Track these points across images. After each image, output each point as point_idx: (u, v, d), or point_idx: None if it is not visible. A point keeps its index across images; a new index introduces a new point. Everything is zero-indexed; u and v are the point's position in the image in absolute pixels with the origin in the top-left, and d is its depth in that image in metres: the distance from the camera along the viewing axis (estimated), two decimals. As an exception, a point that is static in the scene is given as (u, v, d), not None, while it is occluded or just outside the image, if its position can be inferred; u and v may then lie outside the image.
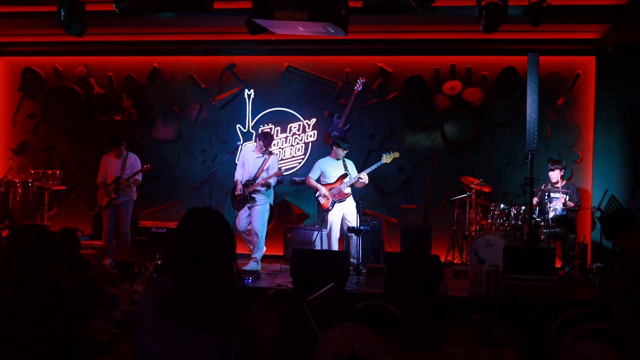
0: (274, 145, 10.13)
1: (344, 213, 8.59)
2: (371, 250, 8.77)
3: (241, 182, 8.57)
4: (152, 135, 10.46)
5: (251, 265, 8.39)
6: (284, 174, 9.15)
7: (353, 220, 8.48)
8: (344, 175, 8.54)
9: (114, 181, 8.75)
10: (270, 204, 8.72)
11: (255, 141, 8.87)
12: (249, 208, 8.53)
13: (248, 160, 8.66)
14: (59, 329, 2.89)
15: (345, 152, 8.58)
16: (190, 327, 2.23)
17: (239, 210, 8.59)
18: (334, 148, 8.64)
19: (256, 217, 8.50)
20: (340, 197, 8.52)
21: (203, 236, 2.30)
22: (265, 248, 8.87)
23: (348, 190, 8.53)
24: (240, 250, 9.08)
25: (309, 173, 9.94)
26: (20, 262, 2.88)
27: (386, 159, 8.56)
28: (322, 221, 8.71)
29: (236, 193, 8.61)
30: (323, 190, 8.57)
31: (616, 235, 6.17)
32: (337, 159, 8.60)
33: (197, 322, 2.23)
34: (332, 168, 8.64)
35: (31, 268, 2.88)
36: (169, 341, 2.24)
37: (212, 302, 2.25)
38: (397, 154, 8.61)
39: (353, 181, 8.49)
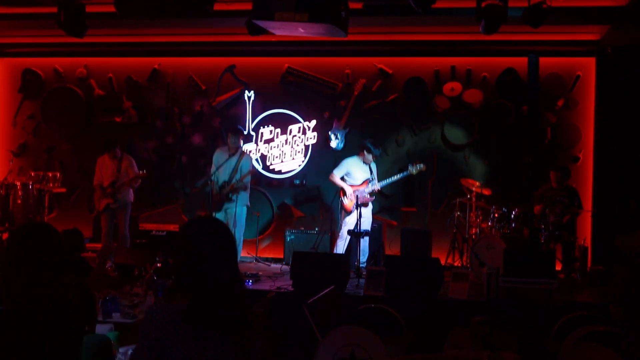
0: (274, 147, 10.14)
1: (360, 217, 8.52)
2: (371, 253, 8.76)
3: (216, 183, 8.58)
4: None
5: None
6: (283, 176, 9.08)
7: (365, 225, 8.41)
8: (369, 180, 8.50)
9: (110, 185, 8.72)
10: (247, 206, 8.70)
11: (227, 140, 8.83)
12: (225, 211, 8.51)
13: (219, 161, 8.66)
14: (66, 330, 2.88)
15: (375, 158, 8.52)
16: (218, 331, 2.29)
17: (217, 212, 8.60)
18: (364, 152, 8.52)
19: (234, 220, 8.49)
20: (363, 201, 8.33)
21: (211, 242, 2.40)
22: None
23: (370, 196, 8.45)
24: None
25: (309, 175, 9.98)
26: (25, 261, 2.86)
27: (412, 169, 8.49)
28: (333, 222, 8.63)
29: (212, 195, 8.66)
30: (349, 190, 8.48)
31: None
32: (365, 163, 8.54)
33: (225, 325, 2.31)
34: (358, 170, 8.57)
35: (37, 268, 2.86)
36: (194, 350, 2.28)
37: (234, 304, 2.35)
38: (423, 167, 8.54)
39: (376, 188, 8.46)
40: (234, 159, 8.61)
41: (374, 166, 8.65)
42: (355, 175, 8.55)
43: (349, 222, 8.49)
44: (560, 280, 7.68)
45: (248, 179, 8.55)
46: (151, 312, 2.35)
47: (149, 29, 9.45)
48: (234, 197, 8.48)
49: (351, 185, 8.55)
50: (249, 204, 8.76)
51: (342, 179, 8.61)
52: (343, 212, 8.61)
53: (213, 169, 8.75)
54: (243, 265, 8.87)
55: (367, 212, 8.46)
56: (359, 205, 8.24)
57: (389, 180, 8.58)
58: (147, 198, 10.03)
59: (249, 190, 8.73)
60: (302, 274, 7.25)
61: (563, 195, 8.54)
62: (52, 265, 2.90)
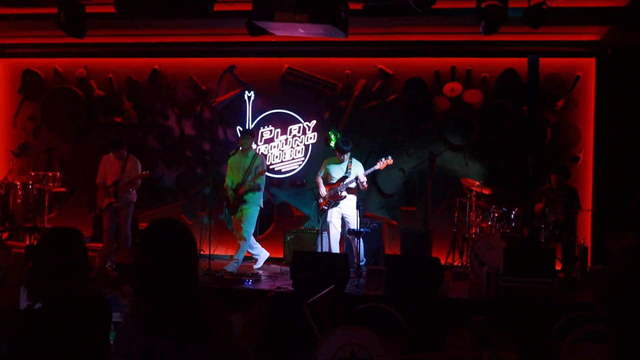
0: (275, 147, 10.14)
1: (344, 215, 8.58)
2: (371, 253, 8.76)
3: (231, 187, 8.58)
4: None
5: (231, 266, 8.39)
6: (283, 175, 9.10)
7: (353, 223, 8.46)
8: (343, 178, 8.53)
9: (113, 184, 8.72)
10: (260, 207, 8.70)
11: (240, 141, 8.80)
12: (240, 211, 8.52)
13: (233, 164, 8.63)
14: (95, 333, 2.90)
15: (346, 155, 8.52)
16: (178, 340, 2.23)
17: (233, 215, 8.63)
18: (338, 152, 8.59)
19: (245, 220, 8.51)
20: (335, 199, 8.51)
21: (166, 247, 2.30)
22: (268, 253, 8.97)
23: (345, 193, 8.48)
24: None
25: (308, 175, 9.98)
26: (57, 264, 2.87)
27: (379, 165, 8.52)
28: (323, 222, 8.69)
29: (227, 197, 8.64)
30: (322, 190, 8.62)
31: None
32: (341, 162, 8.58)
33: (184, 333, 2.24)
34: (335, 169, 8.62)
35: (69, 270, 2.88)
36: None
37: (191, 311, 2.27)
38: (390, 161, 8.57)
39: (350, 184, 8.48)
40: (247, 161, 8.57)
41: (356, 163, 8.64)
42: (333, 175, 8.63)
43: (330, 221, 8.57)
44: (560, 280, 7.67)
45: (261, 179, 8.55)
46: (119, 331, 2.28)
47: (149, 29, 9.46)
48: (247, 199, 8.48)
49: (329, 185, 8.62)
50: (262, 204, 8.74)
51: (326, 179, 8.68)
52: (320, 211, 8.71)
53: (227, 170, 8.75)
54: (243, 264, 8.87)
55: (349, 211, 8.46)
56: (330, 203, 8.48)
57: (359, 175, 8.52)
58: (147, 198, 10.04)
59: (262, 190, 8.70)
60: (302, 273, 7.25)
61: (563, 194, 8.53)
62: (81, 267, 2.96)
